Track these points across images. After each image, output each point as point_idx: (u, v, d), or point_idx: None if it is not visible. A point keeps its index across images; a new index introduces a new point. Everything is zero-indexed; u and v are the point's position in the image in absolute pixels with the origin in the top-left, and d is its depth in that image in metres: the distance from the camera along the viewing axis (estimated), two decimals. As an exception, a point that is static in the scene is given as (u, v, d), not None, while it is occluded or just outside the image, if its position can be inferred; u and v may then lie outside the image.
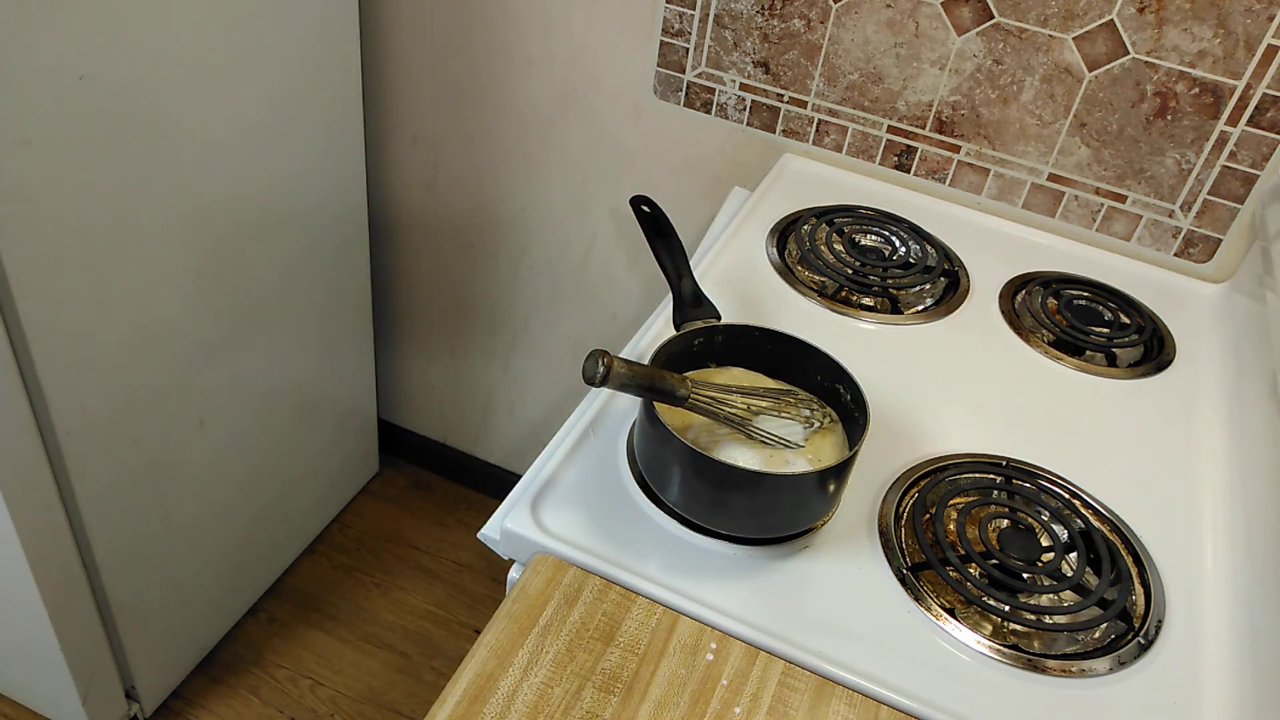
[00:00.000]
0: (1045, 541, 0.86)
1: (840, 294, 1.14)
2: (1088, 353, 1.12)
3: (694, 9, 1.36)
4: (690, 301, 0.93)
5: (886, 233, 1.25)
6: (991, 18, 1.21)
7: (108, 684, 1.45)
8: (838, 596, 0.80)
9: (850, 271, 1.17)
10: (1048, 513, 0.89)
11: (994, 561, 0.83)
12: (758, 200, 1.30)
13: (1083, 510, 0.90)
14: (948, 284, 1.19)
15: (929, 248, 1.23)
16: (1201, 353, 1.15)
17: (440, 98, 1.60)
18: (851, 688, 0.74)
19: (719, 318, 0.92)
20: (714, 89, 1.41)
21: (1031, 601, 0.81)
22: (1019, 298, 1.19)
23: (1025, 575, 0.83)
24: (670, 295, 0.97)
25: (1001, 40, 1.22)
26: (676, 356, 0.89)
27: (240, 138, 1.31)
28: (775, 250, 1.20)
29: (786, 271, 1.17)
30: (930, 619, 0.79)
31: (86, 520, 1.27)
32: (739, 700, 0.73)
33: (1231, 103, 1.15)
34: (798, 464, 0.83)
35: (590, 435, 0.90)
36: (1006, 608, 0.80)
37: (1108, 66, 1.19)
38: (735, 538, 0.83)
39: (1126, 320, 1.18)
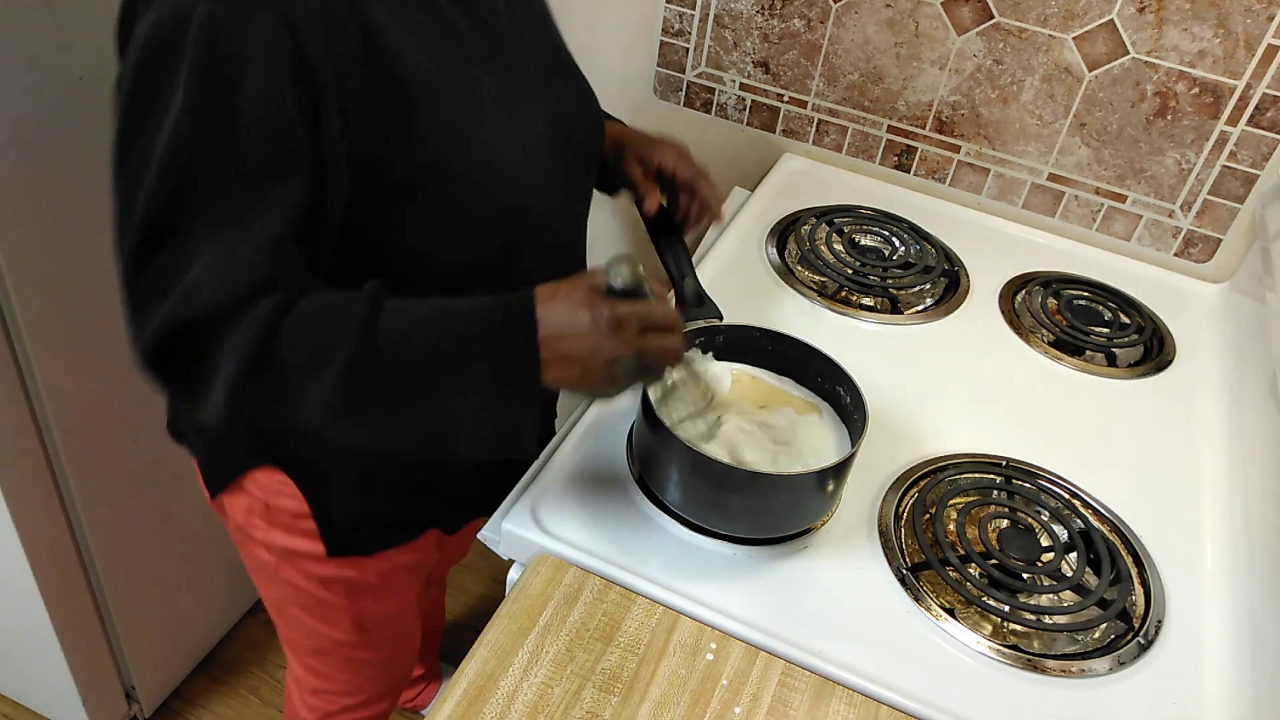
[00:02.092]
0: (1045, 541, 0.86)
1: (840, 294, 1.14)
2: (1088, 353, 1.12)
3: (694, 9, 1.36)
4: (693, 301, 0.93)
5: (886, 233, 1.25)
6: (991, 17, 1.21)
7: (108, 684, 1.45)
8: (838, 596, 0.80)
9: (850, 271, 1.17)
10: (1048, 513, 0.89)
11: (994, 561, 0.83)
12: (758, 200, 1.30)
13: (1082, 510, 0.90)
14: (948, 284, 1.19)
15: (929, 248, 1.23)
16: (1201, 353, 1.15)
17: (440, 98, 1.60)
18: (851, 688, 0.74)
19: (721, 318, 0.92)
20: (714, 89, 1.41)
21: (1031, 602, 0.81)
22: (1019, 298, 1.19)
23: (1025, 575, 0.83)
24: (672, 295, 0.97)
25: (1001, 40, 1.22)
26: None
27: (240, 138, 1.31)
28: (775, 250, 1.20)
29: (786, 271, 1.17)
30: (930, 619, 0.79)
31: (86, 520, 1.27)
32: (739, 700, 0.73)
33: (1231, 103, 1.15)
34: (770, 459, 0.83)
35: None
36: (1006, 608, 0.80)
37: (1108, 66, 1.19)
38: (735, 538, 0.83)
39: (1126, 320, 1.18)
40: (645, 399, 0.81)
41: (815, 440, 0.86)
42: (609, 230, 1.61)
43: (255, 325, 0.63)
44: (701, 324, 0.90)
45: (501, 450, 0.70)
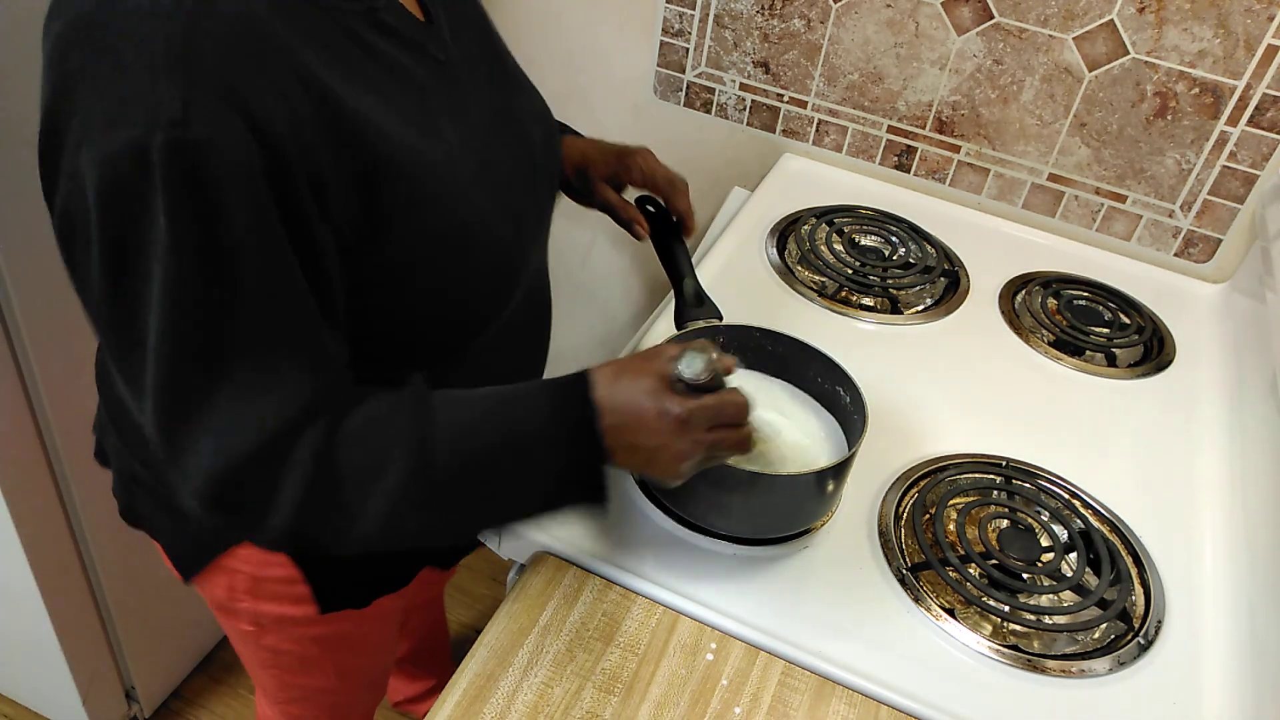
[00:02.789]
0: (1045, 541, 0.86)
1: (840, 294, 1.14)
2: (1088, 353, 1.12)
3: (694, 9, 1.36)
4: (692, 301, 0.93)
5: (886, 233, 1.25)
6: (991, 17, 1.21)
7: (108, 684, 1.45)
8: (838, 597, 0.80)
9: (850, 271, 1.17)
10: (1048, 513, 0.89)
11: (994, 562, 0.83)
12: (758, 200, 1.30)
13: (1082, 510, 0.90)
14: (948, 284, 1.19)
15: (929, 248, 1.23)
16: (1201, 353, 1.15)
17: (440, 98, 1.60)
18: (851, 688, 0.74)
19: (721, 318, 0.92)
20: (714, 89, 1.41)
21: (1031, 602, 0.81)
22: (1019, 298, 1.19)
23: (1025, 575, 0.83)
24: (672, 295, 0.97)
25: (1001, 40, 1.22)
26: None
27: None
28: (775, 250, 1.20)
29: (786, 271, 1.17)
30: (930, 619, 0.79)
31: (86, 521, 1.27)
32: (739, 700, 0.73)
33: (1231, 103, 1.15)
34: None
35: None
36: (1006, 608, 0.80)
37: (1108, 66, 1.19)
38: (735, 538, 0.83)
39: (1126, 320, 1.18)
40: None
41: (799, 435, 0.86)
42: (608, 231, 1.61)
43: (311, 452, 0.61)
44: (701, 324, 0.90)
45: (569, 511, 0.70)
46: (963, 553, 0.84)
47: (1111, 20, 1.16)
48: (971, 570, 0.82)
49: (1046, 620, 0.80)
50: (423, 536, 0.67)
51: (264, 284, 0.59)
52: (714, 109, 1.43)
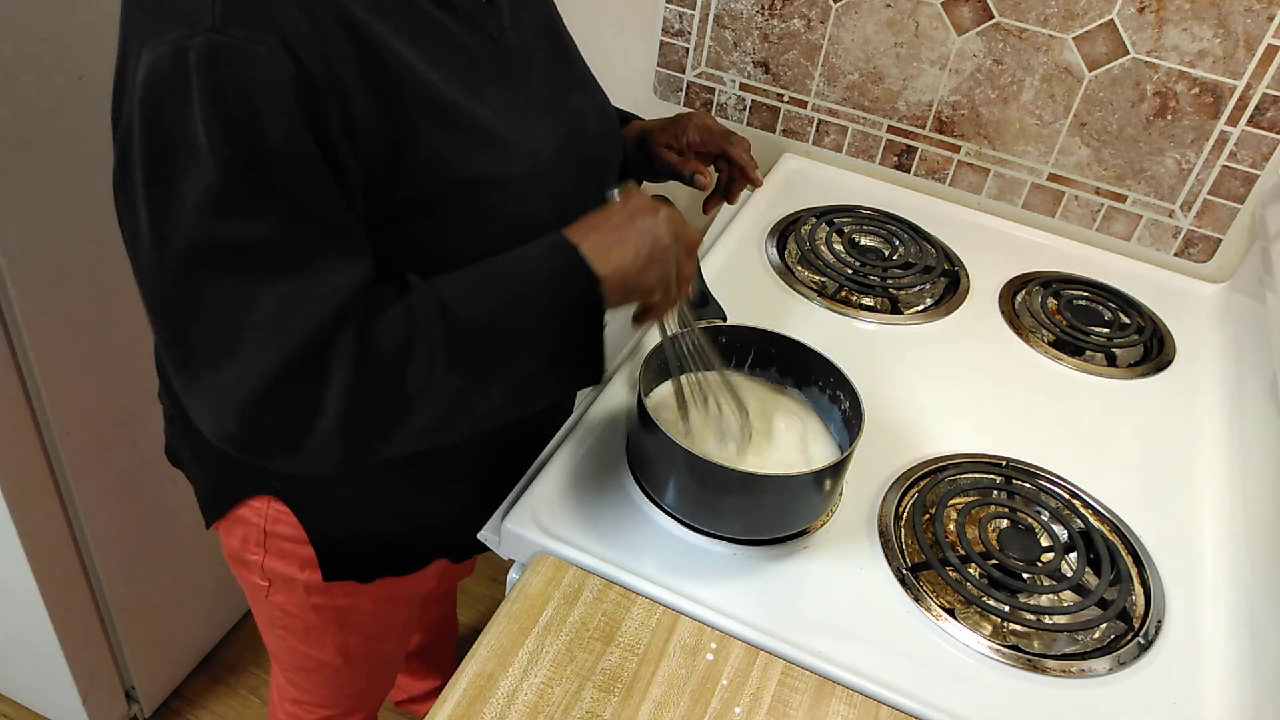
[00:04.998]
0: (1045, 541, 0.86)
1: (840, 294, 1.14)
2: (1088, 353, 1.12)
3: (694, 9, 1.36)
4: (696, 301, 0.94)
5: (886, 233, 1.25)
6: (991, 17, 1.21)
7: (108, 684, 1.45)
8: (837, 597, 0.80)
9: (850, 271, 1.17)
10: (1047, 513, 0.89)
11: (994, 561, 0.83)
12: (758, 200, 1.30)
13: (1082, 510, 0.90)
14: (948, 284, 1.19)
15: (929, 248, 1.23)
16: (1201, 353, 1.15)
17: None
18: (851, 688, 0.74)
19: (725, 318, 0.92)
20: (714, 89, 1.41)
21: (1031, 602, 0.81)
22: (1019, 298, 1.19)
23: (1025, 575, 0.83)
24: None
25: (1001, 40, 1.22)
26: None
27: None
28: (775, 250, 1.20)
29: (786, 271, 1.17)
30: (930, 619, 0.79)
31: (86, 521, 1.27)
32: (739, 700, 0.73)
33: (1231, 103, 1.15)
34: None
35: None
36: (1006, 608, 0.80)
37: (1108, 66, 1.19)
38: (733, 538, 0.83)
39: (1126, 320, 1.18)
40: (640, 400, 0.81)
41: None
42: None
43: (351, 352, 0.62)
44: (704, 324, 0.90)
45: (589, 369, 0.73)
46: (963, 553, 0.84)
47: (1111, 20, 1.16)
48: (971, 570, 0.82)
49: (1046, 620, 0.80)
50: (463, 412, 0.69)
51: (299, 189, 0.61)
52: (714, 109, 1.43)
